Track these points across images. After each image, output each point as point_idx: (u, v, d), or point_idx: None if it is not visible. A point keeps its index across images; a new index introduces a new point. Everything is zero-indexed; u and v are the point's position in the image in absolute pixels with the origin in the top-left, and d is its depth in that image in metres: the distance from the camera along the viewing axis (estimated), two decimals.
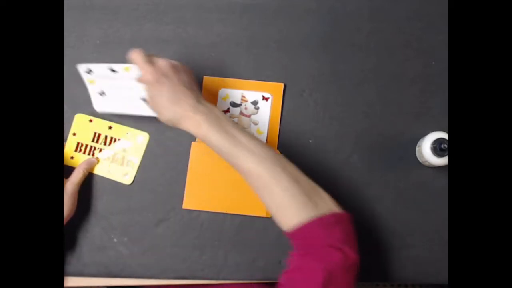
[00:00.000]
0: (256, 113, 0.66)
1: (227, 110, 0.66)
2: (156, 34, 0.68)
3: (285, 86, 0.67)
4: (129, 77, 0.61)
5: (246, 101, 0.66)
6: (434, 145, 0.59)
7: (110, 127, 0.66)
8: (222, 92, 0.66)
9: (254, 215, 0.64)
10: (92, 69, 0.63)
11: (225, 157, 0.54)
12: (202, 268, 0.64)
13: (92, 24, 0.69)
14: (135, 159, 0.66)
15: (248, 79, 0.67)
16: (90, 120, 0.66)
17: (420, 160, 0.64)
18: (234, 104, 0.66)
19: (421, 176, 0.65)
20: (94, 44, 0.68)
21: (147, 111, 0.61)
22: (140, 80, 0.56)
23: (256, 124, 0.66)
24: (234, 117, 0.66)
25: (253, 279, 0.64)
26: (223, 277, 0.64)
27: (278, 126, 0.66)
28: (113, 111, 0.64)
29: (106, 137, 0.66)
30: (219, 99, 0.66)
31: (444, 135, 0.59)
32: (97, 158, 0.65)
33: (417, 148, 0.65)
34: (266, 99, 0.66)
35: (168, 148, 0.66)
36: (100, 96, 0.64)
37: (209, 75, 0.67)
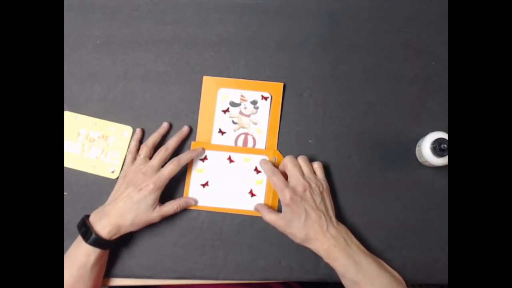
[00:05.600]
0: (256, 112, 0.66)
1: (227, 110, 0.66)
2: (156, 34, 0.68)
3: (285, 86, 0.67)
4: (245, 169, 0.63)
5: (245, 100, 0.66)
6: (434, 145, 0.59)
7: (95, 123, 0.66)
8: (222, 92, 0.66)
9: (254, 215, 0.64)
10: (208, 156, 0.63)
11: (346, 281, 0.58)
12: (202, 268, 0.64)
13: (92, 24, 0.69)
14: (120, 153, 0.66)
15: (248, 79, 0.67)
16: (76, 117, 0.66)
17: (420, 160, 0.64)
18: (233, 104, 0.66)
19: (421, 176, 0.65)
20: (94, 44, 0.68)
21: (249, 206, 0.64)
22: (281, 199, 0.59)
23: (255, 123, 0.66)
24: (234, 117, 0.66)
25: (253, 279, 0.64)
26: (223, 277, 0.64)
27: (278, 125, 0.66)
28: (210, 205, 0.64)
29: (91, 133, 0.66)
30: (218, 99, 0.66)
31: (444, 135, 0.59)
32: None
33: (417, 148, 0.64)
34: (266, 98, 0.66)
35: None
36: (202, 188, 0.64)
37: (208, 75, 0.67)
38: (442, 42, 0.68)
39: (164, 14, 0.69)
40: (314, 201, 0.59)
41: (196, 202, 0.64)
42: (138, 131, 0.65)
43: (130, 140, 0.66)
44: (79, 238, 0.57)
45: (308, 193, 0.59)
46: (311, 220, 0.58)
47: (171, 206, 0.61)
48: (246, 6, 0.69)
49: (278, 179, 0.60)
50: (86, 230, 0.57)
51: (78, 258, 0.56)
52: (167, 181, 0.60)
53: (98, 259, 0.57)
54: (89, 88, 0.67)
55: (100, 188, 0.65)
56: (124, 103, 0.67)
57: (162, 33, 0.68)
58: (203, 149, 0.65)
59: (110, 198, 0.61)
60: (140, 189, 0.59)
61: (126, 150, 0.65)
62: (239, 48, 0.68)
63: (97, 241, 0.56)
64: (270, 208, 0.62)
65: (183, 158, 0.62)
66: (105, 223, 0.57)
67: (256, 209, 0.63)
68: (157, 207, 0.60)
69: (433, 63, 0.68)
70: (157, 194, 0.59)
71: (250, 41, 0.68)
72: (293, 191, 0.58)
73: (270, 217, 0.60)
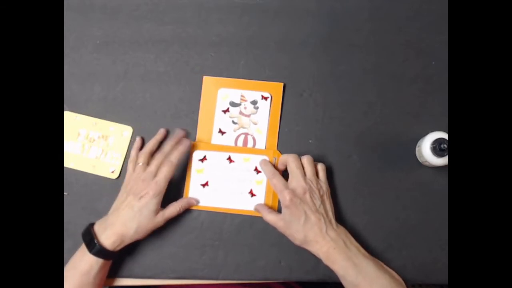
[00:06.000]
0: (256, 112, 0.66)
1: (227, 110, 0.66)
2: (156, 34, 0.68)
3: (285, 86, 0.67)
4: (245, 169, 0.63)
5: (245, 100, 0.66)
6: (434, 145, 0.59)
7: (95, 123, 0.66)
8: (222, 92, 0.66)
9: (254, 215, 0.64)
10: (207, 157, 0.63)
11: (345, 283, 0.58)
12: (202, 268, 0.64)
13: (92, 24, 0.69)
14: (120, 153, 0.66)
15: (248, 79, 0.67)
16: (76, 117, 0.66)
17: (420, 160, 0.64)
18: (233, 104, 0.66)
19: (421, 176, 0.65)
20: (94, 44, 0.68)
21: (249, 206, 0.64)
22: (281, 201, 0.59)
23: (255, 123, 0.66)
24: (234, 117, 0.66)
25: (253, 279, 0.64)
26: (223, 277, 0.64)
27: (278, 125, 0.66)
28: (210, 205, 0.64)
29: (91, 133, 0.66)
30: (218, 99, 0.66)
31: (444, 135, 0.59)
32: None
33: (417, 148, 0.65)
34: (266, 98, 0.66)
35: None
36: (202, 188, 0.64)
37: (208, 75, 0.67)
38: (442, 42, 0.68)
39: (164, 14, 0.69)
40: (314, 204, 0.59)
41: (197, 201, 0.64)
42: (138, 139, 0.65)
43: (129, 143, 0.65)
44: (83, 247, 0.57)
45: (307, 196, 0.59)
46: (310, 222, 0.58)
47: (173, 208, 0.61)
48: (246, 6, 0.69)
49: (278, 181, 0.60)
50: (90, 240, 0.57)
51: (82, 266, 0.56)
52: (166, 184, 0.60)
53: (101, 268, 0.57)
54: (89, 88, 0.67)
55: (100, 188, 0.65)
56: (124, 103, 0.67)
57: (162, 33, 0.68)
58: (189, 141, 0.63)
59: (112, 208, 0.61)
60: (141, 197, 0.58)
61: (126, 150, 0.66)
62: (239, 48, 0.68)
63: (101, 252, 0.56)
64: (270, 208, 0.62)
65: (172, 157, 0.61)
66: (109, 233, 0.57)
67: (256, 209, 0.63)
68: (160, 211, 0.60)
69: (433, 63, 0.68)
70: (158, 199, 0.59)
71: (250, 41, 0.68)
72: (293, 193, 0.58)
73: (270, 217, 0.60)
